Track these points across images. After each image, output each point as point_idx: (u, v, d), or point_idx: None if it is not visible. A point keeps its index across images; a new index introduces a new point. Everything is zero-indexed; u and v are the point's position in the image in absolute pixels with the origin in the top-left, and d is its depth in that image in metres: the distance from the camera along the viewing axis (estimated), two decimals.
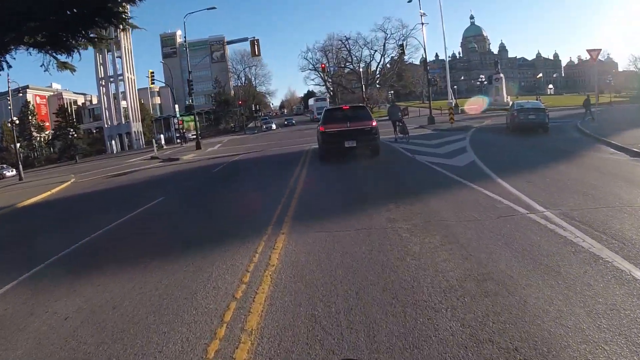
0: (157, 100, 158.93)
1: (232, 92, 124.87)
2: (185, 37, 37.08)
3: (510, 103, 66.32)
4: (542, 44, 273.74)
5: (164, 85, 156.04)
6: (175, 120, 65.55)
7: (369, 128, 15.92)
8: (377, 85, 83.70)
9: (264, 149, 27.38)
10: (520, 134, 20.89)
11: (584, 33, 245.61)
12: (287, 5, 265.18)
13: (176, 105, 56.84)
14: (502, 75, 72.80)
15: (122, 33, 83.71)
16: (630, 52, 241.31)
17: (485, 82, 74.58)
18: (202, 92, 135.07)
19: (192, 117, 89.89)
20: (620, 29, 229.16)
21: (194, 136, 77.56)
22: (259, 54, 30.33)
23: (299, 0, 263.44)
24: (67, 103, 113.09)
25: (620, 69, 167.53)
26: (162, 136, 61.11)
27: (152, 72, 43.80)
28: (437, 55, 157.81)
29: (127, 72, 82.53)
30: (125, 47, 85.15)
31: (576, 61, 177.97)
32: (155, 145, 57.24)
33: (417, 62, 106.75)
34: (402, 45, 37.36)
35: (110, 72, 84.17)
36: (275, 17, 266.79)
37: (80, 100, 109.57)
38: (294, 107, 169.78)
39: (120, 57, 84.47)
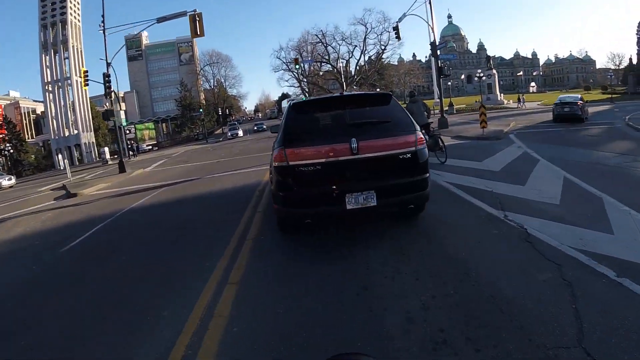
0: (122, 106, 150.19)
1: (202, 95, 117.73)
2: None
3: (505, 102, 62.14)
4: (520, 43, 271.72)
5: (129, 90, 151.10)
6: (128, 130, 56.35)
7: (410, 153, 5.92)
8: (355, 87, 75.26)
9: (208, 173, 19.05)
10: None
11: (561, 31, 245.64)
12: (258, 1, 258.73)
13: (121, 112, 47.40)
14: (494, 71, 66.29)
15: (70, 31, 75.66)
16: (609, 49, 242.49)
17: (465, 80, 68.91)
18: (170, 97, 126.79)
19: (148, 125, 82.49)
20: (598, 26, 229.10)
21: (149, 147, 69.77)
22: (202, 34, 21.93)
23: None
24: (24, 112, 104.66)
25: (597, 66, 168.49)
26: (106, 149, 51.74)
27: (86, 72, 34.54)
28: (414, 55, 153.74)
29: (77, 75, 72.83)
30: (74, 46, 75.83)
31: (554, 59, 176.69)
32: (100, 159, 49.34)
33: (395, 62, 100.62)
34: (396, 28, 28.93)
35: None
36: (246, 14, 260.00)
37: (40, 108, 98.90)
38: (268, 110, 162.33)
39: (67, 58, 75.08)
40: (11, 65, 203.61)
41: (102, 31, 25.10)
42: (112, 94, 25.96)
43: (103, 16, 25.15)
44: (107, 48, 25.80)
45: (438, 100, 71.43)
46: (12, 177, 39.80)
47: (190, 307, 4.66)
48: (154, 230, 8.79)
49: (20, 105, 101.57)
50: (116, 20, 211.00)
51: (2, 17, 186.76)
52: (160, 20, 24.12)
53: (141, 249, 7.60)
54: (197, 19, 22.24)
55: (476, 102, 66.54)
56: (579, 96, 26.80)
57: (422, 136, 6.12)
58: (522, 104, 54.47)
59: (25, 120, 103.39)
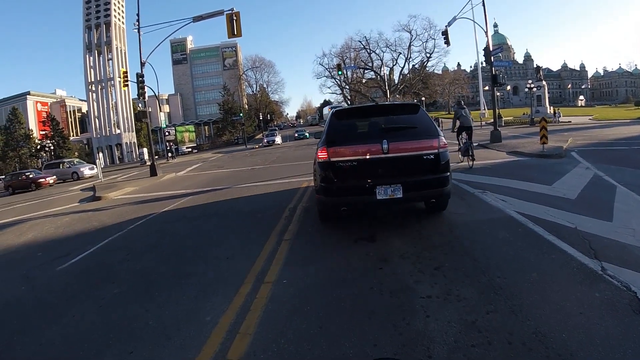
0: (166, 108, 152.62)
1: (245, 100, 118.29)
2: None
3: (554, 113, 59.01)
4: (567, 54, 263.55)
5: (173, 93, 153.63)
6: (167, 132, 56.14)
7: (433, 155, 6.88)
8: (397, 95, 73.21)
9: (239, 182, 17.81)
10: None
11: (610, 43, 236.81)
12: (303, 8, 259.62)
13: (161, 114, 47.19)
14: (544, 83, 63.34)
15: (113, 32, 76.84)
16: None
17: (511, 92, 65.63)
18: (213, 100, 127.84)
19: (188, 127, 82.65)
20: None
21: (189, 150, 69.69)
22: (239, 34, 20.81)
23: (315, 2, 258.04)
24: (69, 110, 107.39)
25: None
26: (145, 150, 51.49)
27: (125, 72, 34.19)
28: (459, 65, 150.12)
29: (119, 76, 73.38)
30: (117, 47, 76.90)
31: (602, 72, 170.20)
32: (139, 159, 49.31)
33: (440, 72, 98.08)
34: (445, 32, 27.15)
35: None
36: (289, 20, 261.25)
37: (86, 107, 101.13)
38: (309, 117, 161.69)
39: (111, 59, 76.14)
40: (58, 64, 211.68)
41: (136, 30, 24.34)
42: (145, 95, 24.98)
43: (138, 15, 24.48)
44: (143, 48, 25.13)
45: (483, 111, 69.82)
46: (94, 166, 39.94)
47: None
48: (152, 255, 7.51)
49: (66, 103, 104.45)
50: (159, 21, 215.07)
51: (50, 17, 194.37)
52: (196, 19, 23.18)
53: (133, 280, 6.26)
54: (235, 18, 21.14)
55: (524, 114, 63.58)
56: None
57: (445, 141, 7.02)
58: (556, 118, 50.85)
59: (71, 118, 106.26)
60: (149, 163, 49.92)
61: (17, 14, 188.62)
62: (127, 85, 31.92)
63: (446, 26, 27.61)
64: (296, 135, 65.74)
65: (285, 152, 35.61)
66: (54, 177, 34.40)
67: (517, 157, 16.31)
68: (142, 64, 24.79)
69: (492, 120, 56.51)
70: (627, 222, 6.77)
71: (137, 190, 19.39)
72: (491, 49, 21.70)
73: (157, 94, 48.55)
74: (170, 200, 14.35)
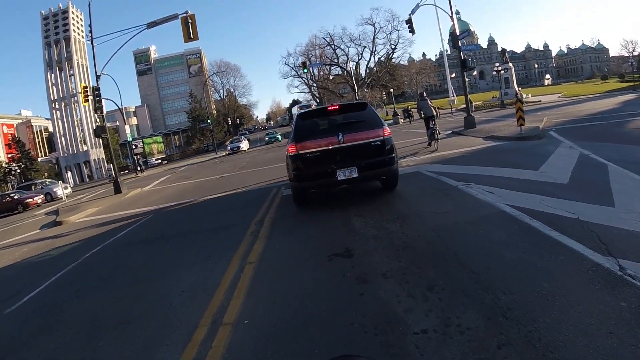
0: (134, 121, 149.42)
1: (213, 106, 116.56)
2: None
3: (524, 96, 59.08)
4: (530, 36, 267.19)
5: (140, 105, 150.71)
6: (134, 145, 54.43)
7: (379, 141, 8.66)
8: (366, 89, 72.49)
9: (205, 193, 16.89)
10: None
11: (571, 20, 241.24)
12: (265, 10, 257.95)
13: (126, 127, 45.42)
14: (511, 65, 63.35)
15: (74, 47, 74.48)
16: (622, 36, 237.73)
17: (477, 77, 65.25)
18: (181, 109, 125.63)
19: (156, 138, 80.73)
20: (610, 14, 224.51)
21: (159, 161, 67.84)
22: (196, 37, 19.64)
23: (277, 3, 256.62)
24: (36, 131, 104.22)
25: (611, 54, 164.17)
26: (112, 166, 49.67)
27: (85, 87, 32.52)
28: (424, 54, 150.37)
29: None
30: (79, 62, 74.64)
31: (566, 50, 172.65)
32: (108, 176, 47.56)
33: (406, 62, 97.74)
34: (409, 21, 26.35)
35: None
36: (252, 23, 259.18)
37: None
38: (279, 118, 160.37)
39: (72, 74, 73.81)
40: (22, 84, 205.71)
41: (90, 42, 22.98)
42: (103, 108, 23.65)
43: (90, 25, 23.07)
44: (101, 60, 23.87)
45: (452, 98, 69.55)
46: (68, 185, 37.88)
47: None
48: (102, 293, 6.40)
49: (32, 123, 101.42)
50: (121, 35, 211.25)
51: (10, 37, 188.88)
52: (150, 25, 21.92)
53: (79, 326, 5.24)
54: (190, 21, 20.00)
55: (493, 97, 63.74)
56: None
57: (389, 130, 8.79)
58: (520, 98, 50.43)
59: (38, 138, 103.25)
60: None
61: None
62: (87, 101, 30.25)
63: (410, 14, 26.77)
64: (267, 138, 60.58)
65: (255, 156, 34.51)
66: (42, 196, 32.26)
67: (495, 142, 15.64)
68: (98, 77, 23.43)
69: (463, 106, 56.47)
70: (631, 205, 6.06)
71: (99, 211, 18.15)
72: (457, 34, 21.00)
73: (120, 107, 46.73)
74: (132, 220, 13.22)
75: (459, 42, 20.85)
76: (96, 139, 76.03)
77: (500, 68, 52.00)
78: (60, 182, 27.53)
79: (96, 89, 23.81)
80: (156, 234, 9.97)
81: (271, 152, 33.12)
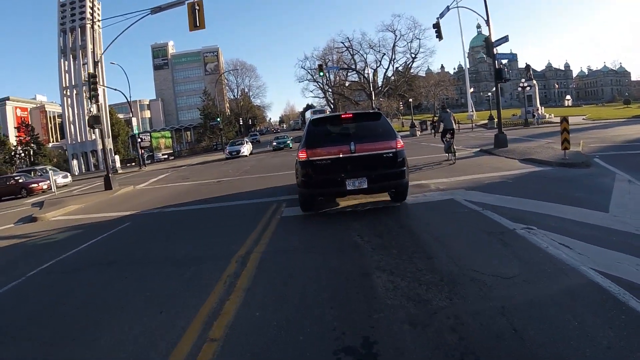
0: (147, 114, 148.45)
1: (227, 104, 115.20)
2: None
3: (547, 116, 56.40)
4: (552, 54, 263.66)
5: (154, 98, 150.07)
6: (141, 138, 52.63)
7: (392, 153, 8.54)
8: (381, 99, 70.19)
9: (197, 198, 15.11)
10: None
11: (594, 43, 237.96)
12: (284, 11, 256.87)
13: (133, 119, 43.80)
14: (535, 82, 60.86)
15: (89, 36, 73.08)
16: None
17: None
18: (194, 106, 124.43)
19: (164, 133, 79.00)
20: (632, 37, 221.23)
21: (165, 157, 65.99)
22: (203, 25, 17.86)
23: (298, 4, 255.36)
24: (50, 116, 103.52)
25: (633, 78, 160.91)
26: (117, 158, 47.99)
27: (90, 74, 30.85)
28: (442, 67, 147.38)
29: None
30: (93, 51, 73.22)
31: (586, 72, 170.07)
32: (115, 167, 45.78)
33: (423, 74, 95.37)
34: (437, 25, 24.29)
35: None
36: (270, 24, 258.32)
37: None
38: (292, 121, 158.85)
39: (86, 63, 72.31)
40: (39, 69, 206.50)
41: (90, 25, 21.13)
42: (99, 97, 21.73)
43: (92, 9, 21.21)
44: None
45: (471, 113, 67.14)
46: (68, 174, 36.04)
47: None
48: (16, 350, 4.34)
49: (46, 109, 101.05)
50: (142, 29, 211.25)
51: (30, 22, 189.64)
52: (154, 10, 20.03)
53: None
54: (197, 7, 18.10)
55: (514, 115, 61.17)
56: None
57: (402, 142, 8.74)
58: (536, 120, 47.19)
59: (51, 124, 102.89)
60: (120, 171, 46.95)
61: None
62: (93, 90, 28.70)
63: (438, 18, 24.65)
64: (275, 144, 48.81)
65: (262, 159, 32.35)
66: (47, 181, 30.17)
67: (537, 167, 13.40)
68: (95, 63, 21.75)
69: (483, 122, 54.00)
70: None
71: (79, 210, 16.25)
72: (492, 41, 18.79)
73: (129, 99, 45.24)
74: (104, 228, 11.24)
75: (494, 49, 18.60)
76: (104, 129, 74.74)
77: (526, 84, 49.46)
78: (51, 172, 25.65)
79: (92, 76, 21.91)
80: (114, 257, 7.83)
81: (279, 157, 30.95)
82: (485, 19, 18.99)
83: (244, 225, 9.04)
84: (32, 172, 35.83)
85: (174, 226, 10.49)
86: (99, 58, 20.08)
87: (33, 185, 28.47)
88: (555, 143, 18.87)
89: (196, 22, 18.17)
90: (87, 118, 69.86)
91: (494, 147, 18.91)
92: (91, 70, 22.02)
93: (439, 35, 24.77)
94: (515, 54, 24.31)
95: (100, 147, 72.88)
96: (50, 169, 38.61)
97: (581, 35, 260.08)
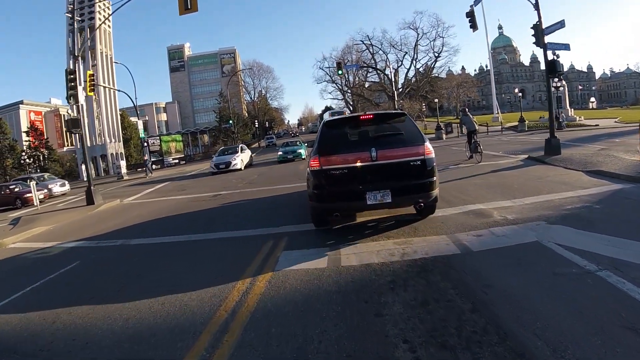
0: (163, 117, 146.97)
1: (244, 107, 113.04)
2: None
3: (577, 119, 52.52)
4: (573, 56, 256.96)
5: (171, 101, 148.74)
6: (150, 142, 50.16)
7: (419, 161, 7.35)
8: (401, 100, 66.50)
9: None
10: None
11: (617, 44, 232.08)
12: (302, 11, 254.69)
13: (139, 122, 41.30)
14: (564, 83, 57.10)
15: (98, 38, 71.11)
16: None
17: (519, 95, 58.91)
18: (211, 108, 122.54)
19: (175, 136, 76.34)
20: None
21: (176, 161, 63.26)
22: (195, 8, 15.32)
23: (317, 5, 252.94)
24: (64, 120, 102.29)
25: None
26: (123, 163, 45.52)
27: (92, 75, 28.19)
28: (463, 68, 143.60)
29: (105, 82, 67.59)
30: (102, 52, 71.22)
31: (609, 74, 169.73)
32: (120, 173, 43.48)
33: (444, 75, 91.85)
34: (471, 14, 21.20)
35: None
36: (288, 24, 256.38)
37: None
38: (310, 124, 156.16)
39: (95, 64, 70.28)
40: (53, 72, 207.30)
41: (70, 18, 18.53)
42: (78, 97, 18.91)
43: (73, 3, 18.63)
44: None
45: (497, 115, 63.57)
46: (66, 182, 33.84)
47: None
48: None
49: (61, 112, 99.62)
50: (158, 31, 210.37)
51: (45, 25, 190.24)
52: None
53: None
54: None
55: (542, 117, 57.24)
56: None
57: (430, 147, 7.50)
58: (561, 123, 43.28)
59: (65, 127, 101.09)
60: (126, 177, 44.44)
61: (12, 21, 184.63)
62: (92, 90, 26.14)
63: (471, 6, 21.57)
64: (280, 153, 34.23)
65: (272, 167, 28.89)
66: (45, 191, 28.58)
67: (611, 182, 10.14)
68: (75, 58, 18.95)
69: (510, 124, 50.40)
70: None
71: (44, 234, 13.49)
72: (543, 28, 15.61)
73: (134, 101, 42.70)
74: (48, 266, 8.48)
75: (545, 37, 15.37)
76: (116, 132, 72.73)
77: (559, 85, 45.77)
78: (32, 183, 22.96)
79: (70, 73, 19.03)
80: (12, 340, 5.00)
81: (289, 166, 27.67)
82: (534, 2, 15.83)
83: (224, 275, 6.15)
84: (29, 181, 33.60)
85: (133, 269, 7.60)
86: (79, 53, 17.47)
87: (28, 195, 25.60)
88: (610, 149, 15.73)
89: (187, 4, 15.48)
90: (96, 122, 68.45)
91: (545, 155, 15.63)
92: (71, 67, 19.17)
93: (473, 25, 21.60)
94: (568, 44, 20.86)
95: (110, 151, 71.20)
96: (48, 177, 36.40)
97: (604, 37, 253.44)
